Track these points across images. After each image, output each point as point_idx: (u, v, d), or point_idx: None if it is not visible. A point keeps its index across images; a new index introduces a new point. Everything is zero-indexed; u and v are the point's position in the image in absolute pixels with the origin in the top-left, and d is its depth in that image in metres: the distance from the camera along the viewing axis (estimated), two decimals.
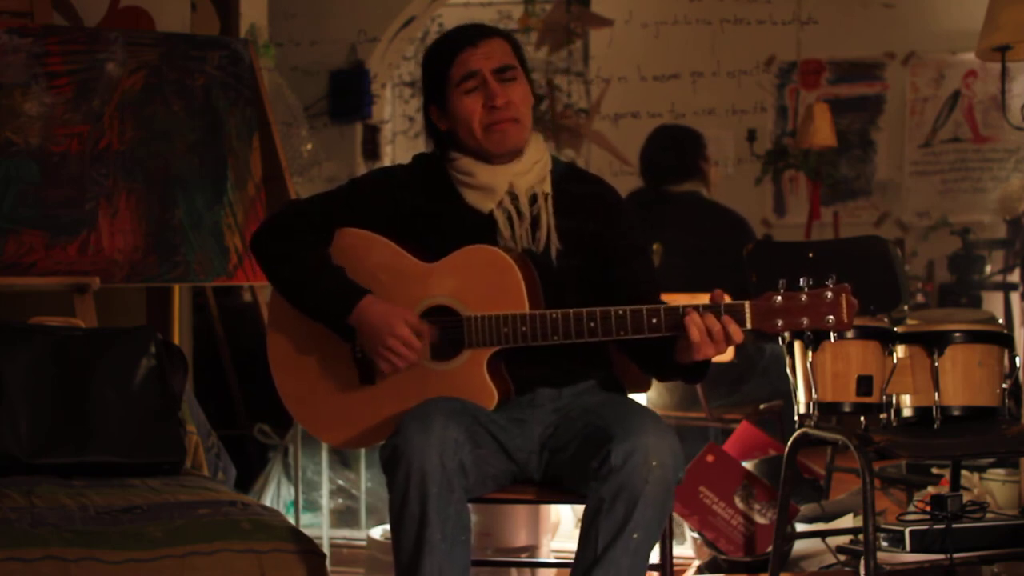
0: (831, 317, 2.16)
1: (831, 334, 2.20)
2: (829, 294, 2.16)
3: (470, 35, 2.41)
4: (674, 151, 4.88)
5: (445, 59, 2.41)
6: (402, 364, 2.34)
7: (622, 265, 2.45)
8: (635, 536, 2.13)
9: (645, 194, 4.89)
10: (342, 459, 4.23)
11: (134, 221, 3.57)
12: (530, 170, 2.44)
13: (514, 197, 2.42)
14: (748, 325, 2.20)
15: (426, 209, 2.44)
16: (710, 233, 4.74)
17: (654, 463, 2.12)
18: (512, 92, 2.39)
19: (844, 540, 3.25)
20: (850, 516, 3.74)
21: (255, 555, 2.26)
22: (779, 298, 2.18)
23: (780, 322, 2.18)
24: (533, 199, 2.43)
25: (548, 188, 2.45)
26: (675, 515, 3.45)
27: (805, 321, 2.17)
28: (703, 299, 2.23)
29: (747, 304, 2.20)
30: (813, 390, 2.94)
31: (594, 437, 2.21)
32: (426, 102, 2.47)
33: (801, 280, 2.17)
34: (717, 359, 2.33)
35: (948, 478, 3.38)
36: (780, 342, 3.12)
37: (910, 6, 7.36)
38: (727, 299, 2.22)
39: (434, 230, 2.42)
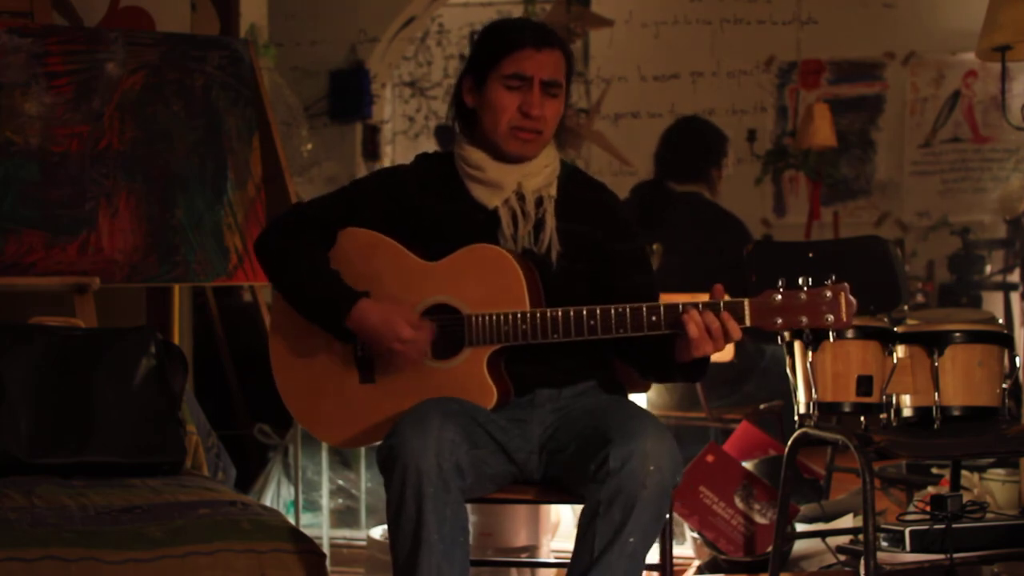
0: (830, 316, 2.16)
1: (830, 333, 2.21)
2: (828, 293, 2.16)
3: (538, 38, 2.40)
4: (695, 149, 4.83)
5: (503, 47, 2.40)
6: (412, 362, 2.36)
7: (622, 274, 2.46)
8: (631, 540, 2.13)
9: (649, 191, 4.85)
10: (342, 459, 4.23)
11: (134, 221, 3.57)
12: (540, 172, 2.44)
13: (521, 197, 2.43)
14: (747, 323, 2.20)
15: (429, 207, 2.44)
16: (709, 233, 4.73)
17: (651, 467, 2.12)
18: (549, 107, 2.40)
19: (844, 540, 3.24)
20: (850, 516, 3.73)
21: (255, 555, 2.26)
22: (778, 296, 2.18)
23: (779, 320, 2.18)
24: (539, 201, 2.44)
25: (554, 192, 2.46)
26: (675, 515, 3.45)
27: (804, 320, 2.17)
28: (702, 299, 2.23)
29: (746, 301, 2.20)
30: (813, 390, 2.93)
31: (592, 440, 2.21)
32: (464, 72, 2.47)
33: (800, 279, 2.18)
34: (717, 359, 2.32)
35: (948, 478, 3.38)
36: (779, 341, 3.11)
37: (910, 6, 7.36)
38: (726, 297, 2.22)
39: (436, 228, 2.42)
